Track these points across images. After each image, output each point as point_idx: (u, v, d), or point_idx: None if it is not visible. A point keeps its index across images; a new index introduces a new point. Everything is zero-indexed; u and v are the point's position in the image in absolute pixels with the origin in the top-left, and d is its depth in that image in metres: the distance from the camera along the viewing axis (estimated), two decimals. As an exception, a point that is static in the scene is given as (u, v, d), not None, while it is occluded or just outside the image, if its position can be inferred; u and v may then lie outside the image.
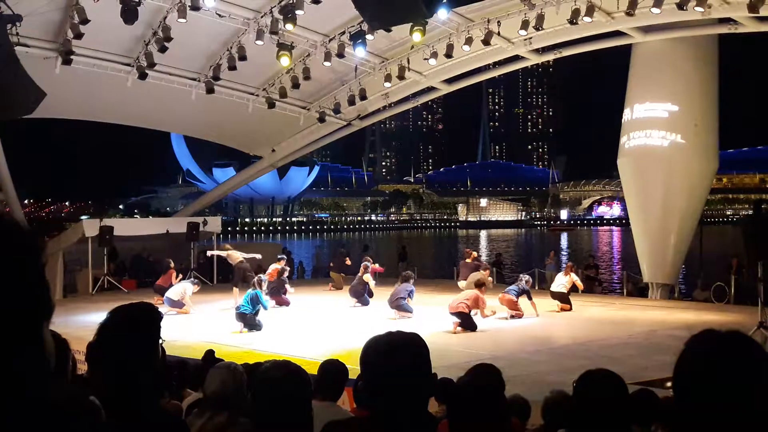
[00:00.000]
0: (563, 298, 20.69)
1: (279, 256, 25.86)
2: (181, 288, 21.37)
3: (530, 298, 19.46)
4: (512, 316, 18.83)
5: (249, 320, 17.68)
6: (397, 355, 2.46)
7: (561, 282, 21.15)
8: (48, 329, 1.27)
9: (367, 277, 22.45)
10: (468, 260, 24.05)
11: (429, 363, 2.52)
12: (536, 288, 23.96)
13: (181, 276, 23.39)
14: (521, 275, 20.59)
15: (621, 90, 26.01)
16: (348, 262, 27.45)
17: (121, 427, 2.45)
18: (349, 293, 22.60)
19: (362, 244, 44.10)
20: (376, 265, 23.90)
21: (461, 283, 21.85)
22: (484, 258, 39.64)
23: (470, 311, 17.29)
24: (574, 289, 21.42)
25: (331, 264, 29.30)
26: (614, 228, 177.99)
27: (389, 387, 2.41)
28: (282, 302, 21.96)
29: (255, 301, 18.01)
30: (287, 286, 22.78)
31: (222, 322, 18.75)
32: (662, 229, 24.29)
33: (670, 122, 24.14)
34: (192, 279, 22.69)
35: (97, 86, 24.52)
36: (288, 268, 24.08)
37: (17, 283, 1.19)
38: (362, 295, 22.13)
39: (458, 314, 17.21)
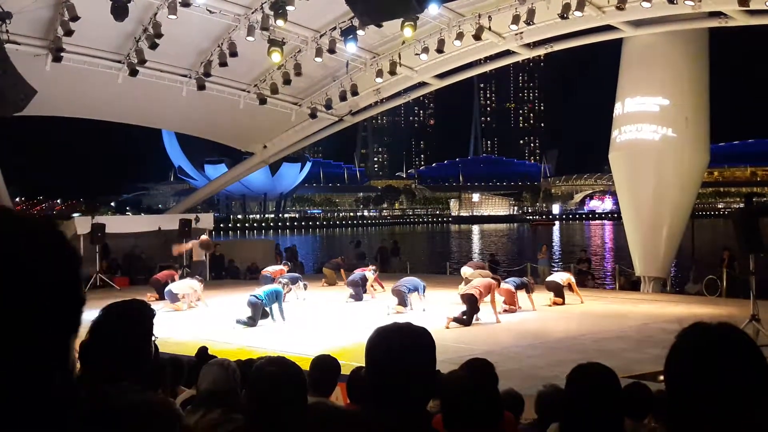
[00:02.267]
0: (558, 290, 20.68)
1: (284, 261, 26.82)
2: (186, 284, 21.41)
3: (528, 292, 19.59)
4: (505, 311, 18.85)
5: (255, 310, 17.62)
6: (404, 347, 2.43)
7: (561, 277, 21.29)
8: (74, 343, 1.27)
9: (369, 276, 22.53)
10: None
11: (434, 359, 2.51)
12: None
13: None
14: (525, 278, 21.24)
15: (612, 84, 26.05)
16: (343, 274, 27.03)
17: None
18: (346, 284, 22.65)
19: (354, 239, 43.84)
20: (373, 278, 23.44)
21: (466, 270, 22.11)
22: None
23: (481, 297, 17.37)
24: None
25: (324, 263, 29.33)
26: (606, 222, 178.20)
27: (393, 379, 2.39)
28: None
29: (274, 298, 18.03)
30: (301, 290, 22.92)
31: (215, 319, 18.73)
32: (654, 222, 24.35)
33: (661, 116, 24.19)
34: (197, 276, 22.72)
35: (87, 83, 24.47)
36: (307, 283, 23.87)
37: (52, 296, 1.18)
38: (359, 286, 22.18)
39: (468, 297, 17.28)
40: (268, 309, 17.94)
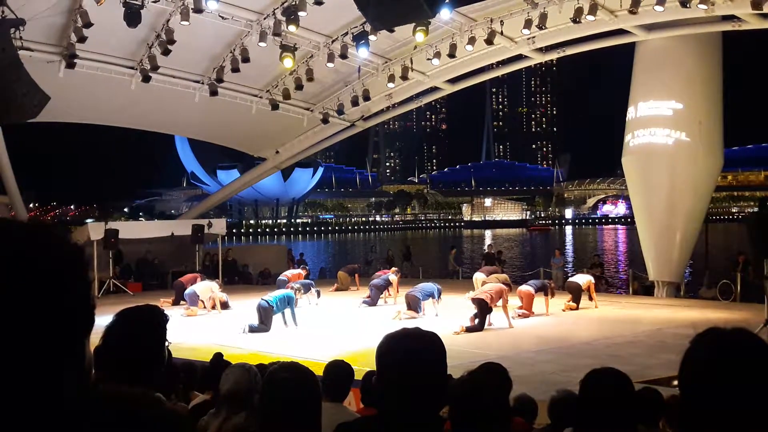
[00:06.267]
0: (577, 293, 20.62)
1: (302, 265, 27.42)
2: (207, 286, 21.58)
3: (546, 295, 19.58)
4: (519, 316, 18.79)
5: (265, 315, 17.61)
6: (414, 353, 2.43)
7: (583, 279, 21.24)
8: (88, 344, 1.29)
9: (394, 279, 22.51)
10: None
11: (445, 364, 2.50)
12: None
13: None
14: (546, 280, 21.41)
15: (625, 88, 25.98)
16: (357, 280, 27.05)
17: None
18: (369, 285, 22.70)
19: (369, 245, 43.83)
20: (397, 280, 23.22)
21: (478, 276, 22.06)
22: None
23: (492, 302, 17.31)
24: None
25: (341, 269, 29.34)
26: (619, 226, 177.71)
27: (404, 385, 2.39)
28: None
29: (285, 303, 18.01)
30: (314, 296, 22.89)
31: (228, 324, 18.75)
32: (667, 227, 24.26)
33: (674, 120, 24.11)
34: (217, 279, 22.89)
35: (100, 89, 24.57)
36: (319, 290, 23.68)
37: (62, 298, 1.20)
38: (380, 289, 22.21)
39: (480, 302, 17.23)
40: (280, 314, 17.93)
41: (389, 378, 2.42)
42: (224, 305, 21.96)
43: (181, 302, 21.97)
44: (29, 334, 1.16)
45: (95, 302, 1.29)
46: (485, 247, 35.02)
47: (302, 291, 21.48)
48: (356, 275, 27.34)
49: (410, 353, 2.41)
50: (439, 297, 19.84)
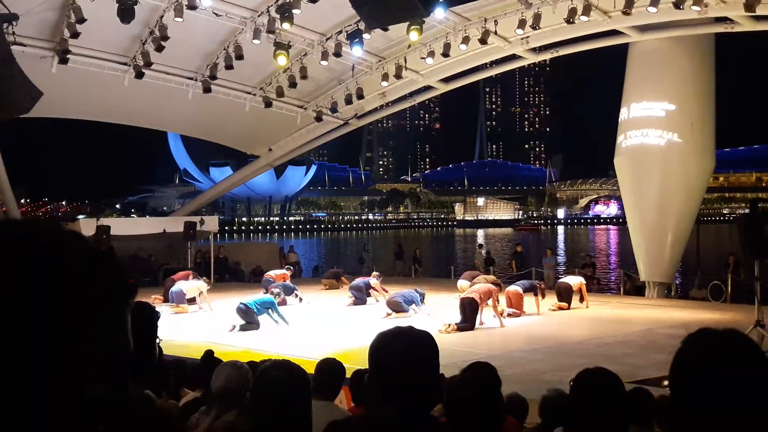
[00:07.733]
0: (567, 294, 20.62)
1: (287, 266, 27.07)
2: (195, 285, 21.51)
3: (536, 295, 19.57)
4: (510, 315, 18.80)
5: (248, 315, 17.56)
6: (407, 352, 2.43)
7: (574, 280, 21.25)
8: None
9: (375, 284, 22.47)
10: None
11: (438, 362, 2.50)
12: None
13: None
14: (535, 281, 21.31)
15: (618, 89, 26.02)
16: (345, 281, 26.51)
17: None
18: (349, 289, 22.63)
19: (361, 243, 43.85)
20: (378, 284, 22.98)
21: (462, 283, 21.98)
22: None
23: (481, 302, 17.28)
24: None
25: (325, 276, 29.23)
26: (611, 227, 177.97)
27: (396, 383, 2.39)
28: (280, 302, 21.96)
29: (266, 307, 17.96)
30: (294, 299, 22.72)
31: (219, 322, 18.72)
32: (659, 227, 24.31)
33: (666, 121, 24.15)
34: (204, 278, 22.84)
35: (93, 85, 24.51)
36: (301, 292, 23.26)
37: (60, 297, 1.19)
38: (362, 290, 22.12)
39: (470, 301, 17.20)
40: (266, 315, 17.86)
41: (382, 376, 2.42)
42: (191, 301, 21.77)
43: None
44: (26, 334, 1.15)
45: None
46: (517, 247, 34.91)
47: (282, 295, 21.25)
48: (342, 277, 27.19)
49: (403, 352, 2.41)
50: (420, 304, 19.75)
